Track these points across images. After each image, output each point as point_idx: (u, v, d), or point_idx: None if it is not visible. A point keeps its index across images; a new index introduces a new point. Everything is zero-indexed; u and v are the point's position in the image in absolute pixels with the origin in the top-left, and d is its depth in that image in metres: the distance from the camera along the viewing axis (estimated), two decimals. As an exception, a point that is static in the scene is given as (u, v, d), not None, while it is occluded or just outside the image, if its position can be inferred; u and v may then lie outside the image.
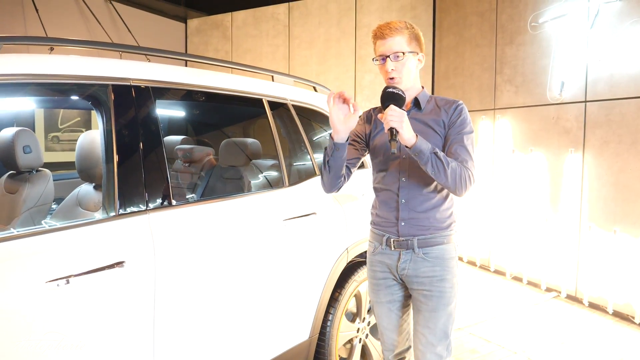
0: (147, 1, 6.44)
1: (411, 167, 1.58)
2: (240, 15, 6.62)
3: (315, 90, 2.72)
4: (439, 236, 1.59)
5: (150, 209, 1.54)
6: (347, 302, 2.29)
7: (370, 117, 1.73)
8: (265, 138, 2.25)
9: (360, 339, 2.42)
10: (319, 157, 2.28)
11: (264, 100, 2.16)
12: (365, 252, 1.88)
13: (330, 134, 1.54)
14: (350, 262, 2.33)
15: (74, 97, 1.92)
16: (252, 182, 2.38)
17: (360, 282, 2.34)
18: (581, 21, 3.70)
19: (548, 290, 4.03)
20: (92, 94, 1.53)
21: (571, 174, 3.84)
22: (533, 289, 4.12)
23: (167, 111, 2.84)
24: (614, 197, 3.52)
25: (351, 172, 1.68)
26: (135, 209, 1.51)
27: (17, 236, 1.27)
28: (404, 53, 1.53)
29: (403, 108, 1.45)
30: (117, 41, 5.67)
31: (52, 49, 1.62)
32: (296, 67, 6.27)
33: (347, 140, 1.54)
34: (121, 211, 1.48)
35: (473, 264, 4.88)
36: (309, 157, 2.33)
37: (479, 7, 4.70)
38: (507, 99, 4.44)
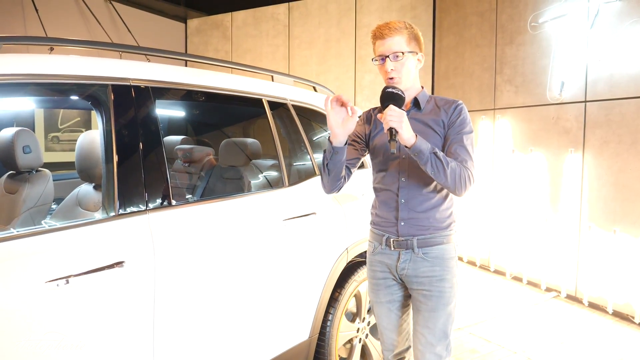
0: (147, 1, 6.44)
1: (411, 167, 1.58)
2: (240, 15, 6.62)
3: (315, 90, 2.72)
4: (439, 236, 1.59)
5: (149, 209, 1.54)
6: (347, 302, 2.29)
7: (370, 117, 1.73)
8: (265, 138, 2.25)
9: (360, 339, 2.42)
10: (318, 157, 2.28)
11: (263, 100, 2.16)
12: (365, 252, 1.88)
13: (329, 138, 1.53)
14: (350, 262, 2.33)
15: (74, 97, 1.92)
16: (252, 182, 2.38)
17: (360, 282, 2.34)
18: (581, 21, 3.70)
19: (548, 290, 4.03)
20: (91, 94, 1.53)
21: (571, 174, 3.84)
22: (533, 289, 4.12)
23: (167, 111, 2.84)
24: (614, 197, 3.52)
25: (351, 172, 1.68)
26: (135, 209, 1.51)
27: (17, 236, 1.27)
28: (403, 53, 1.53)
29: (402, 108, 1.45)
30: (117, 41, 5.67)
31: (51, 49, 1.62)
32: (296, 67, 6.27)
33: (345, 143, 1.53)
34: (121, 211, 1.48)
35: (473, 264, 4.88)
36: (308, 157, 2.33)
37: (479, 7, 4.71)
38: (507, 99, 4.44)
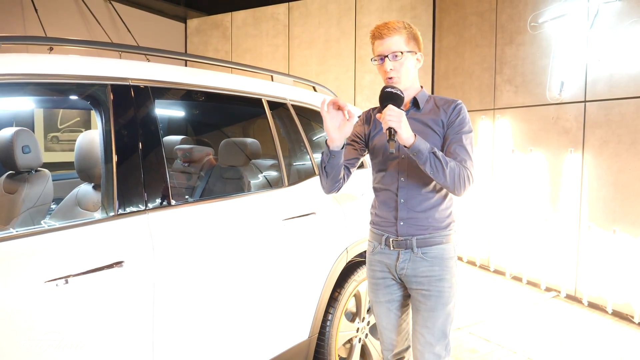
0: (147, 1, 6.44)
1: (410, 167, 1.58)
2: (240, 15, 6.62)
3: (315, 90, 2.72)
4: (438, 236, 1.60)
5: (149, 209, 1.54)
6: (346, 301, 2.29)
7: (369, 117, 1.73)
8: (265, 138, 2.25)
9: (360, 338, 2.42)
10: (318, 157, 2.28)
11: (263, 100, 2.16)
12: (365, 251, 1.88)
13: (326, 141, 1.53)
14: (349, 261, 2.33)
15: (73, 97, 1.92)
16: (251, 182, 2.38)
17: (359, 281, 2.34)
18: (581, 21, 3.70)
19: (547, 290, 4.03)
20: (91, 93, 1.53)
21: (571, 174, 3.84)
22: (532, 289, 4.12)
23: (167, 111, 2.84)
24: (614, 197, 3.52)
25: (350, 172, 1.68)
26: (134, 209, 1.51)
27: (16, 236, 1.28)
28: (402, 53, 1.54)
29: (402, 108, 1.45)
30: (116, 41, 5.67)
31: (51, 49, 1.62)
32: (296, 67, 6.27)
33: (342, 147, 1.53)
34: (120, 211, 1.48)
35: (473, 263, 4.88)
36: (308, 157, 2.33)
37: (479, 7, 4.71)
38: (507, 99, 4.45)
